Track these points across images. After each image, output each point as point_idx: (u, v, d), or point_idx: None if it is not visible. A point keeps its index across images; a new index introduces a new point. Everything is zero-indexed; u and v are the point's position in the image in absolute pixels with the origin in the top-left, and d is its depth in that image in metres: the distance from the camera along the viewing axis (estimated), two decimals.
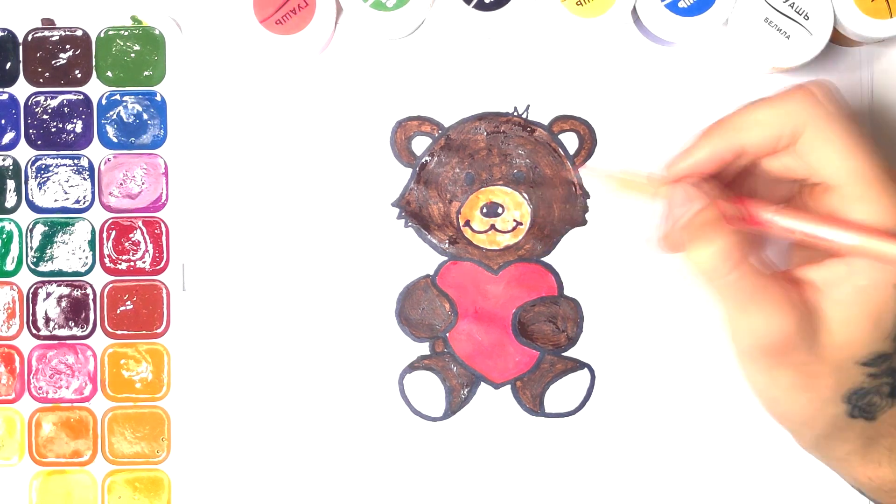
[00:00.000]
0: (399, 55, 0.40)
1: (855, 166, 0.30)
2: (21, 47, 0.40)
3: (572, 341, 0.40)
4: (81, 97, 0.40)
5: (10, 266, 0.40)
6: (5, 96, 0.40)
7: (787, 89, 0.31)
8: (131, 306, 0.40)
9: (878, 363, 0.31)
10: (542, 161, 0.40)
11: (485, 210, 0.40)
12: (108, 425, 0.40)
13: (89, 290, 0.40)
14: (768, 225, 0.31)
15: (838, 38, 0.39)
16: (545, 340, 0.40)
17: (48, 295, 0.40)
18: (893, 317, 0.30)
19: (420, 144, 0.40)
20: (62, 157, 0.40)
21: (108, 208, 0.40)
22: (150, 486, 0.40)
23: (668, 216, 0.31)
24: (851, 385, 0.31)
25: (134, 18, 0.40)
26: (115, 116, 0.40)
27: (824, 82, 0.31)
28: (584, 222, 0.40)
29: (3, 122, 0.40)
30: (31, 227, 0.40)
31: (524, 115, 0.40)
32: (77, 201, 0.40)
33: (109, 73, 0.40)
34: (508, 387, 0.40)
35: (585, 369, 0.40)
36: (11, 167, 0.40)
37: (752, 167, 0.32)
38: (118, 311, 0.40)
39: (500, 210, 0.40)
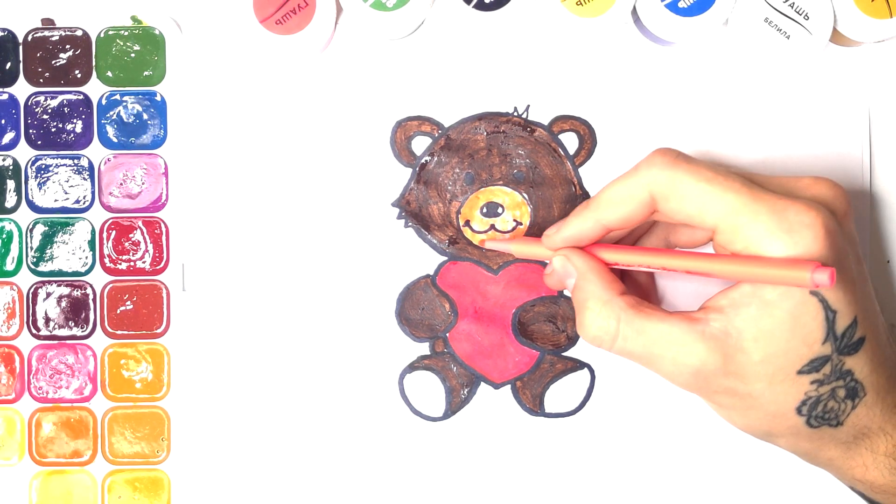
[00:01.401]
0: (399, 55, 0.40)
1: (723, 207, 0.30)
2: (21, 47, 0.40)
3: (572, 341, 0.40)
4: (81, 97, 0.40)
5: (10, 266, 0.40)
6: (5, 96, 0.40)
7: (636, 165, 0.32)
8: (131, 306, 0.40)
9: (817, 368, 0.30)
10: (542, 161, 0.40)
11: (485, 210, 0.40)
12: (108, 425, 0.40)
13: (89, 290, 0.40)
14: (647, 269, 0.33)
15: (838, 38, 0.39)
16: (545, 340, 0.40)
17: (48, 295, 0.40)
18: (821, 321, 0.29)
19: (420, 144, 0.40)
20: (62, 157, 0.40)
21: (108, 208, 0.40)
22: (150, 486, 0.40)
23: (553, 275, 0.35)
24: (798, 397, 0.30)
25: (134, 18, 0.40)
26: (115, 116, 0.40)
27: (666, 149, 0.32)
28: None
29: (3, 122, 0.40)
30: (31, 227, 0.40)
31: (524, 115, 0.40)
32: (77, 201, 0.40)
33: (109, 73, 0.40)
34: (508, 387, 0.40)
35: (585, 369, 0.40)
36: (11, 167, 0.40)
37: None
38: (118, 311, 0.40)
39: (500, 210, 0.40)
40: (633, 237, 0.37)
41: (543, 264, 0.40)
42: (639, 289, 0.38)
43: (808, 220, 0.29)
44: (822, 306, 0.29)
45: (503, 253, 0.40)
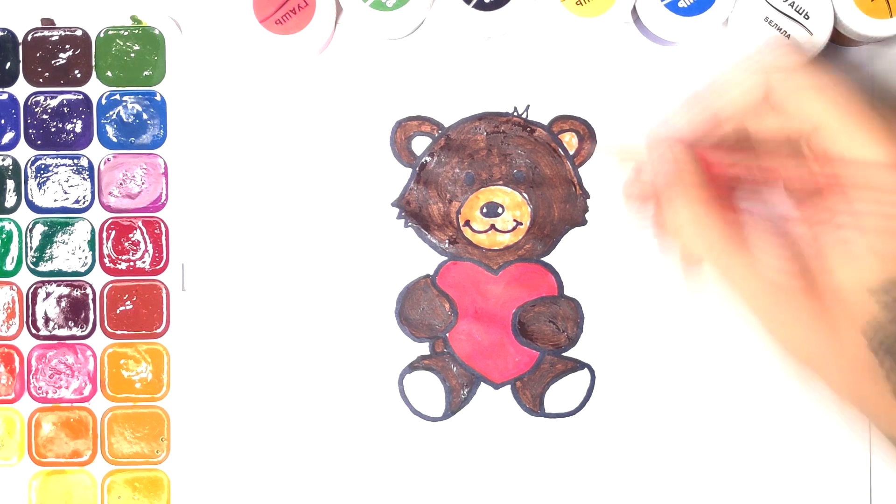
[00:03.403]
0: (399, 55, 0.40)
1: (829, 101, 0.30)
2: (21, 47, 0.40)
3: (572, 341, 0.40)
4: (81, 97, 0.40)
5: (9, 266, 0.40)
6: (5, 96, 0.40)
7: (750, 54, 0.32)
8: (131, 306, 0.40)
9: (888, 290, 0.29)
10: (542, 161, 0.40)
11: (485, 210, 0.40)
12: (107, 425, 0.40)
13: (89, 290, 0.40)
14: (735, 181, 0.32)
15: (838, 38, 0.39)
16: (545, 340, 0.40)
17: (48, 295, 0.40)
18: None
19: (420, 144, 0.40)
20: (62, 157, 0.40)
21: (107, 208, 0.40)
22: (150, 486, 0.40)
23: (643, 173, 0.33)
24: (866, 318, 0.30)
25: (134, 18, 0.40)
26: (114, 116, 0.40)
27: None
28: (584, 222, 0.40)
29: (2, 121, 0.40)
30: (30, 226, 0.40)
31: (524, 115, 0.40)
32: (77, 201, 0.40)
33: (109, 73, 0.40)
34: (508, 387, 0.40)
35: (585, 369, 0.40)
36: (11, 167, 0.40)
37: (750, 137, 0.33)
38: (118, 311, 0.40)
39: (500, 210, 0.40)
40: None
41: (545, 266, 0.40)
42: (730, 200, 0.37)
43: None
44: None
45: (504, 253, 0.40)
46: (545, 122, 0.40)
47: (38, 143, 0.40)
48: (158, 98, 0.40)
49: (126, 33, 0.40)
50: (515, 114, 0.40)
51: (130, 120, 0.40)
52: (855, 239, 0.30)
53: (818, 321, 0.31)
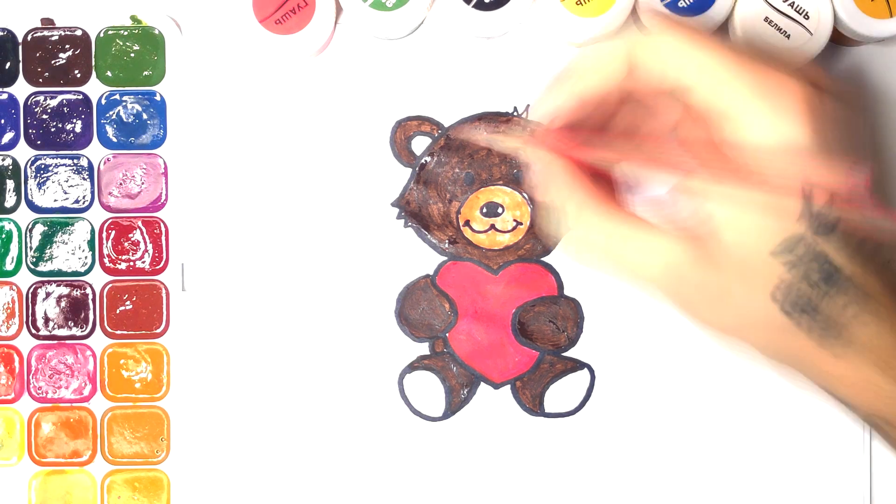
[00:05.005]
0: (399, 55, 0.40)
1: (696, 57, 0.28)
2: (21, 47, 0.40)
3: (572, 341, 0.40)
4: (81, 97, 0.40)
5: (9, 266, 0.40)
6: (5, 96, 0.40)
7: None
8: (131, 306, 0.40)
9: (791, 248, 0.29)
10: None
11: (485, 210, 0.40)
12: (107, 425, 0.40)
13: (89, 290, 0.40)
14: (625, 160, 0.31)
15: (838, 38, 0.39)
16: (545, 340, 0.40)
17: (48, 295, 0.40)
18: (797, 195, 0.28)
19: (420, 144, 0.40)
20: (62, 157, 0.40)
21: (107, 208, 0.40)
22: (150, 486, 0.40)
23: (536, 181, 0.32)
24: (772, 281, 0.29)
25: (134, 18, 0.40)
26: (114, 116, 0.40)
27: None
28: None
29: (2, 121, 0.40)
30: (30, 226, 0.40)
31: (524, 115, 0.40)
32: (76, 201, 0.40)
33: (109, 73, 0.40)
34: (508, 387, 0.40)
35: (585, 369, 0.40)
36: (11, 167, 0.40)
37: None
38: (118, 311, 0.40)
39: (499, 210, 0.40)
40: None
41: (545, 266, 0.40)
42: (608, 188, 0.37)
43: (790, 88, 0.28)
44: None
45: (503, 253, 0.40)
46: (545, 122, 0.40)
47: (38, 143, 0.40)
48: (158, 98, 0.40)
49: (126, 33, 0.40)
50: (515, 114, 0.40)
51: (130, 120, 0.40)
52: (744, 204, 0.29)
53: (726, 296, 0.30)
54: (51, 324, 0.40)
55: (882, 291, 0.30)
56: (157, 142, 0.40)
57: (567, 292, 0.40)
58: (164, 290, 0.40)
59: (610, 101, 0.32)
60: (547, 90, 0.31)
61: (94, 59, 0.40)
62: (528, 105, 0.40)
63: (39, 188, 0.40)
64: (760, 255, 0.29)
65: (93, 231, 0.40)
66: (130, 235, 0.40)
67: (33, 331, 0.40)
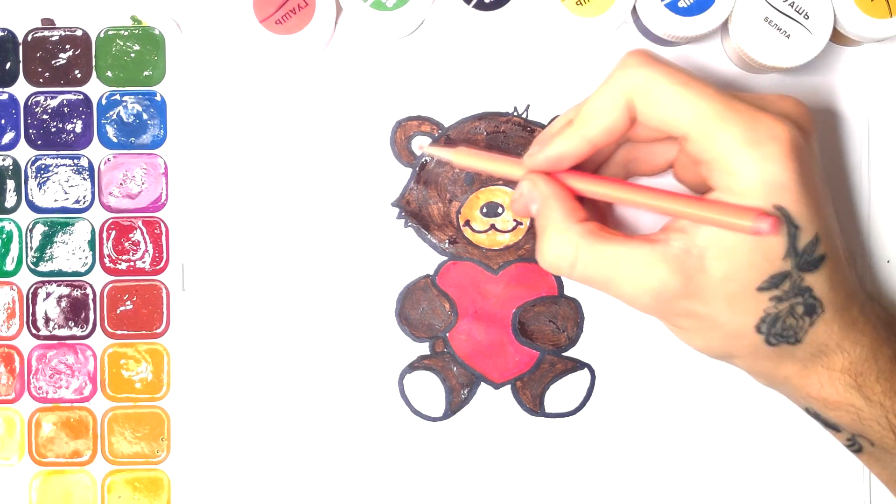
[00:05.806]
0: (399, 55, 0.40)
1: (697, 112, 0.30)
2: (21, 47, 0.40)
3: (572, 341, 0.40)
4: (81, 97, 0.40)
5: (9, 266, 0.40)
6: (5, 96, 0.40)
7: (610, 72, 0.32)
8: (131, 306, 0.40)
9: (777, 284, 0.30)
10: None
11: (485, 210, 0.40)
12: (107, 425, 0.40)
13: (89, 290, 0.40)
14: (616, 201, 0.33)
15: (838, 38, 0.39)
16: (545, 340, 0.40)
17: (48, 295, 0.40)
18: (783, 235, 0.30)
19: (420, 144, 0.40)
20: (62, 157, 0.40)
21: (107, 208, 0.40)
22: (150, 486, 0.40)
23: (520, 200, 0.34)
24: (758, 314, 0.30)
25: (134, 18, 0.40)
26: (114, 116, 0.40)
27: (639, 50, 0.32)
28: None
29: (2, 122, 0.40)
30: (30, 227, 0.40)
31: (524, 115, 0.40)
32: (77, 201, 0.40)
33: (109, 73, 0.40)
34: (508, 387, 0.40)
35: (585, 369, 0.40)
36: (11, 167, 0.40)
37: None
38: (118, 311, 0.40)
39: (499, 210, 0.40)
40: (593, 164, 0.36)
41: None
42: (600, 212, 0.38)
43: (777, 133, 0.29)
44: (786, 221, 0.30)
45: (504, 252, 0.40)
46: (545, 122, 0.40)
47: (39, 143, 0.40)
48: (158, 98, 0.40)
49: (126, 33, 0.40)
50: (515, 114, 0.40)
51: (130, 120, 0.40)
52: (732, 242, 0.30)
53: (713, 325, 0.31)
54: (51, 324, 0.40)
55: (864, 321, 0.32)
56: (158, 142, 0.40)
57: (567, 292, 0.40)
58: (164, 291, 0.40)
59: (611, 143, 0.33)
60: (557, 135, 0.32)
61: (94, 60, 0.40)
62: (528, 105, 0.40)
63: (40, 188, 0.40)
64: (747, 290, 0.30)
65: (93, 231, 0.40)
66: (131, 235, 0.40)
67: (34, 331, 0.40)
